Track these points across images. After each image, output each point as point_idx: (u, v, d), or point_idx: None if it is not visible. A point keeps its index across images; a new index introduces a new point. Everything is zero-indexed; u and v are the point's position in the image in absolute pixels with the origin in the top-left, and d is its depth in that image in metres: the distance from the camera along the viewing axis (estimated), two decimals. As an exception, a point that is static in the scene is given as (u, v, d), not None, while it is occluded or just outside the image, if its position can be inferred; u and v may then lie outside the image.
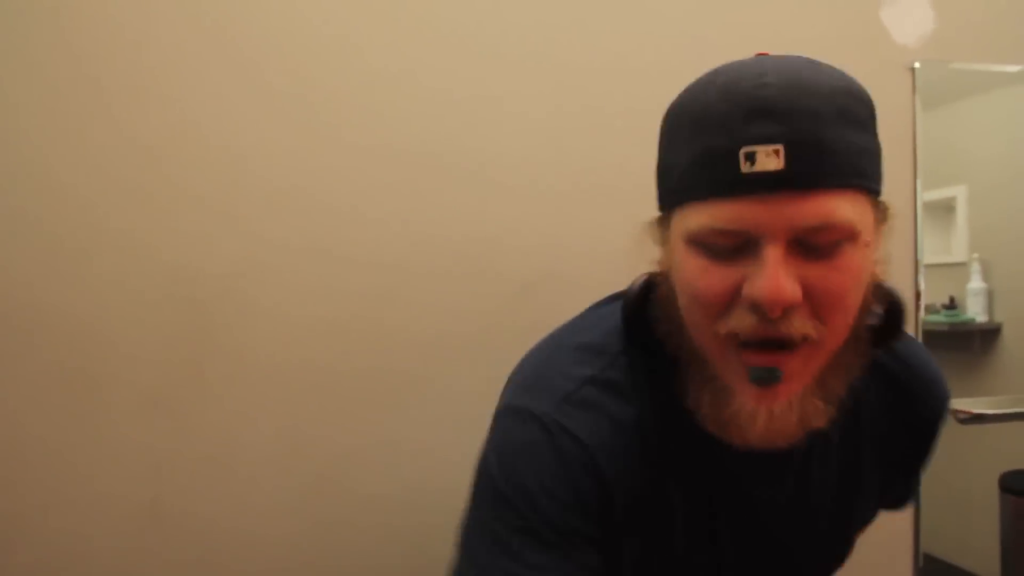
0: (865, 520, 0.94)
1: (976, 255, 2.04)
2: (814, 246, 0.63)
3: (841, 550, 0.93)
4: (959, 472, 1.95)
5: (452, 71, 1.44)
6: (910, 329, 1.10)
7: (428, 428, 1.43)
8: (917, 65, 1.72)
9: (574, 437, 0.73)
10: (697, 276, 0.67)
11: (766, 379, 0.65)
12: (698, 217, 0.66)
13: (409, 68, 1.42)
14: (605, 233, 1.48)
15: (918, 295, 1.81)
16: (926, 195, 1.94)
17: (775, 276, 0.61)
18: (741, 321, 0.65)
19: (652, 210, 0.76)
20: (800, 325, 0.64)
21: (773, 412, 0.68)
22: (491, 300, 1.46)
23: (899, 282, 1.66)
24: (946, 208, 2.00)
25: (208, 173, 1.34)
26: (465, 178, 1.45)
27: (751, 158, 0.61)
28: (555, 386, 0.75)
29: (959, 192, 2.01)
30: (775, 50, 0.73)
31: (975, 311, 2.04)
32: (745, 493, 0.80)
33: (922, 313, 1.83)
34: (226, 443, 1.34)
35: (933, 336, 1.95)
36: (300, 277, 1.38)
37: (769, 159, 0.60)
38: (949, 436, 1.82)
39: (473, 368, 1.43)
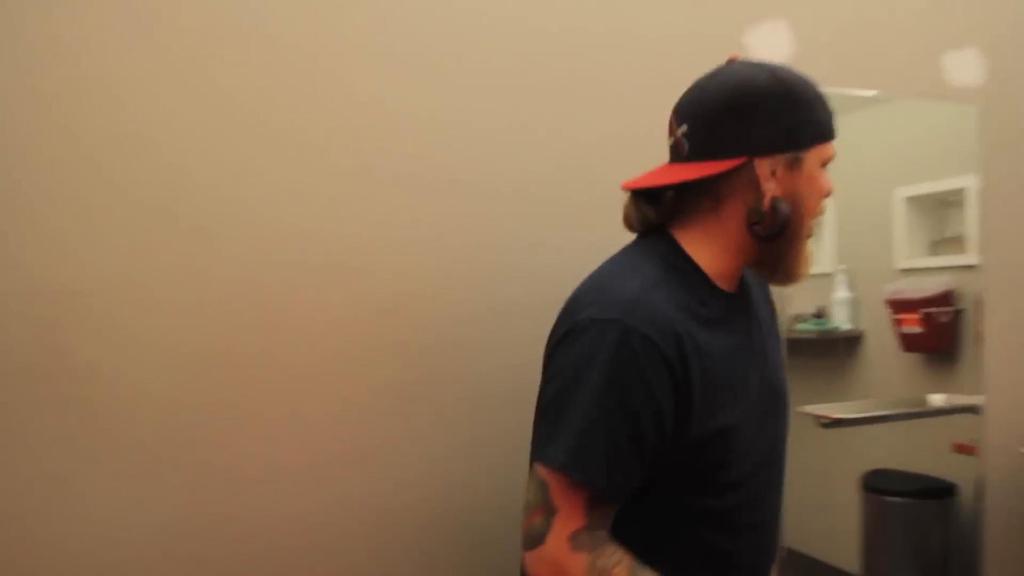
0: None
1: (843, 266, 2.16)
2: None
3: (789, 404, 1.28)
4: (822, 472, 2.05)
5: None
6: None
7: (282, 452, 1.43)
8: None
9: (643, 335, 1.01)
10: (825, 183, 1.14)
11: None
12: (830, 148, 1.13)
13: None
14: (471, 255, 1.54)
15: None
16: None
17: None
18: (823, 207, 1.17)
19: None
20: None
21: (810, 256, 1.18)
22: (354, 323, 1.48)
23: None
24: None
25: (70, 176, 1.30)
26: (341, 193, 1.44)
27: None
28: (620, 299, 1.05)
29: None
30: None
31: (840, 320, 2.16)
32: (743, 328, 1.18)
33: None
34: (76, 464, 1.30)
35: (802, 344, 2.06)
36: (159, 296, 1.35)
37: None
38: (813, 439, 1.94)
39: (338, 392, 1.46)
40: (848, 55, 1.94)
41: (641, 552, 1.04)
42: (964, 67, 2.10)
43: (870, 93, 1.98)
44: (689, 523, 1.10)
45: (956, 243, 2.15)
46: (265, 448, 1.42)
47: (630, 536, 1.06)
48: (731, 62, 1.15)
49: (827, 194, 1.15)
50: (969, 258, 2.14)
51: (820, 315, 2.17)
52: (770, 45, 1.84)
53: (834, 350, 2.17)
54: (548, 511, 1.02)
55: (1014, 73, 2.16)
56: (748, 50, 1.81)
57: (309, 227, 1.44)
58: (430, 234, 1.53)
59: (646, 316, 1.03)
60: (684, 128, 1.12)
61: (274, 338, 1.43)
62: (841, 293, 2.15)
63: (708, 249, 1.14)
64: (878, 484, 2.07)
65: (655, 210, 1.18)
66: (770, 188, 1.08)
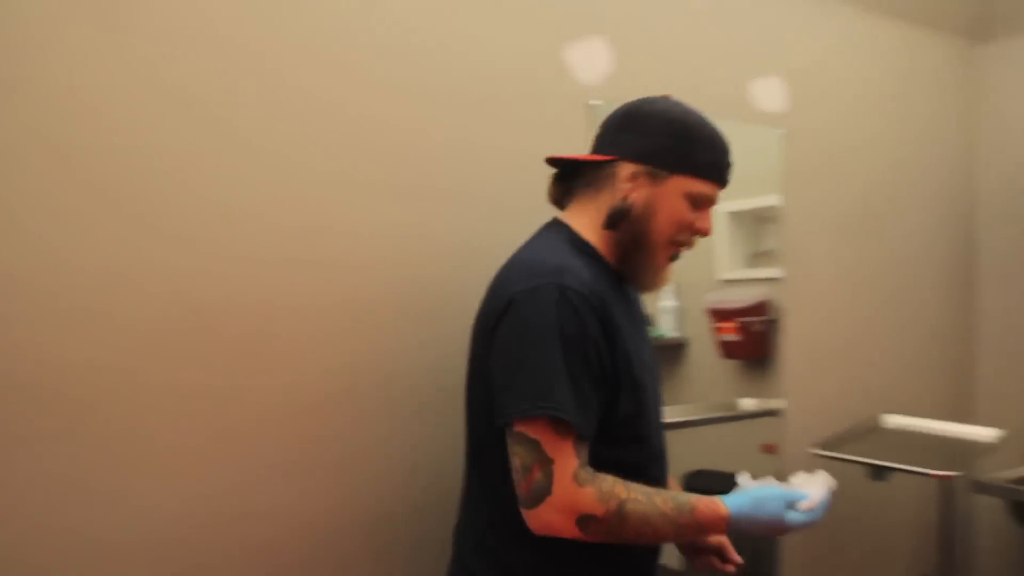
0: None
1: (668, 277, 2.25)
2: None
3: None
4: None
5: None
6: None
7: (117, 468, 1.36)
8: (596, 103, 1.86)
9: (575, 290, 1.16)
10: (683, 213, 1.26)
11: (676, 258, 1.32)
12: (702, 187, 1.26)
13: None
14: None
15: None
16: None
17: (711, 223, 1.31)
18: (685, 238, 1.29)
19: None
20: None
21: (667, 272, 1.33)
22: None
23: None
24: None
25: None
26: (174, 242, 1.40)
27: (729, 172, 1.30)
28: (548, 269, 1.19)
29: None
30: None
31: (666, 328, 2.25)
32: (633, 307, 1.38)
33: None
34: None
35: (631, 352, 2.12)
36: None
37: (729, 176, 1.31)
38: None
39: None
40: (669, 70, 2.04)
41: None
42: (771, 93, 2.26)
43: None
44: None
45: (770, 256, 2.31)
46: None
47: None
48: (657, 98, 1.32)
49: (688, 225, 1.28)
50: (778, 271, 2.30)
51: (647, 323, 2.25)
52: (591, 65, 1.89)
53: (660, 357, 2.26)
54: (545, 463, 1.12)
55: (814, 100, 2.35)
56: (568, 68, 1.86)
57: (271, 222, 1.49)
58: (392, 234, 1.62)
59: (574, 277, 1.18)
60: (599, 129, 1.34)
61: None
62: (667, 302, 2.24)
63: (594, 238, 1.31)
64: (698, 484, 2.17)
65: (557, 189, 1.37)
66: (624, 188, 1.25)
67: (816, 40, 2.38)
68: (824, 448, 2.12)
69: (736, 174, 1.37)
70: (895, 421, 2.34)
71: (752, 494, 1.22)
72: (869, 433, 2.24)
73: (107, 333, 1.33)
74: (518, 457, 1.14)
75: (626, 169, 1.25)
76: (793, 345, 2.31)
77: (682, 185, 1.25)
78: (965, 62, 2.82)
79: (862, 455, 1.93)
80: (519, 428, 1.14)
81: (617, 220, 1.26)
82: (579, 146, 1.84)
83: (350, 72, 1.57)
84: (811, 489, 1.23)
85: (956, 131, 2.81)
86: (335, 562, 1.56)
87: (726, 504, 1.20)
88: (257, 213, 1.47)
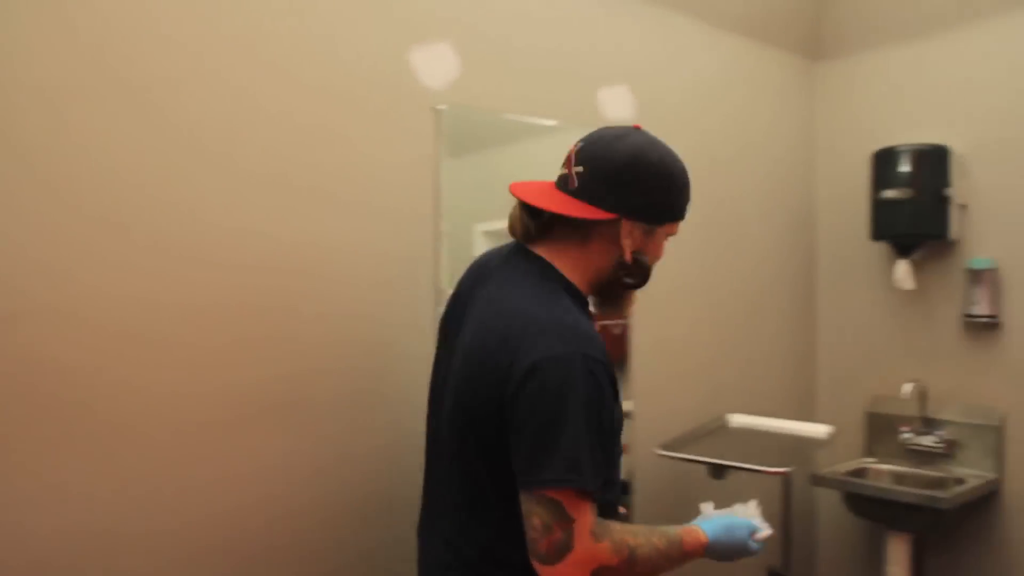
0: None
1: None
2: None
3: None
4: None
5: None
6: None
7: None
8: (442, 107, 1.86)
9: (598, 361, 1.25)
10: (662, 249, 1.41)
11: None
12: (676, 227, 1.41)
13: None
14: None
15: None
16: (488, 225, 2.15)
17: None
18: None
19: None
20: None
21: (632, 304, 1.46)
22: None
23: (422, 305, 1.82)
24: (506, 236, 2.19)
25: None
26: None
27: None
28: (571, 336, 1.26)
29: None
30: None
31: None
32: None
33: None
34: None
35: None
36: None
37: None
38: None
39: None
40: (519, 85, 2.06)
41: None
42: (617, 101, 2.32)
43: (552, 123, 2.12)
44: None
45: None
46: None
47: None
48: (635, 129, 1.38)
49: (659, 257, 1.43)
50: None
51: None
52: (438, 70, 1.88)
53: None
54: (566, 523, 1.20)
55: (656, 106, 2.42)
56: (414, 73, 1.86)
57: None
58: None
59: (593, 344, 1.26)
60: (581, 169, 1.34)
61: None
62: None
63: (574, 275, 1.37)
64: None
65: (535, 225, 1.38)
66: (627, 244, 1.34)
67: (662, 51, 2.46)
68: (668, 449, 2.18)
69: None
70: (739, 420, 2.43)
71: (723, 522, 1.41)
72: (713, 433, 2.32)
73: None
74: (538, 517, 1.20)
75: (627, 227, 1.33)
76: (641, 349, 2.37)
77: (667, 229, 1.40)
78: (805, 78, 2.98)
79: (703, 455, 1.99)
80: (543, 492, 1.20)
81: (634, 272, 1.37)
82: (426, 151, 1.86)
83: (193, 72, 1.53)
84: (758, 520, 1.44)
85: (798, 143, 2.96)
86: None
87: (704, 531, 1.38)
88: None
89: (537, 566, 1.22)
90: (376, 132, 1.78)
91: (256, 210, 1.61)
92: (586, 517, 1.21)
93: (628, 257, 1.34)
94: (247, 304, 1.60)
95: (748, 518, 1.43)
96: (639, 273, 1.37)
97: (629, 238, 1.33)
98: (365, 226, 1.76)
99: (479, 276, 1.43)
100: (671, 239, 1.42)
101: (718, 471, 1.91)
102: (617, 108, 2.31)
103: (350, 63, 1.74)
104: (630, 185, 1.32)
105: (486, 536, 1.32)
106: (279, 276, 1.64)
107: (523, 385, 1.21)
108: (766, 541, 1.44)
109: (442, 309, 1.51)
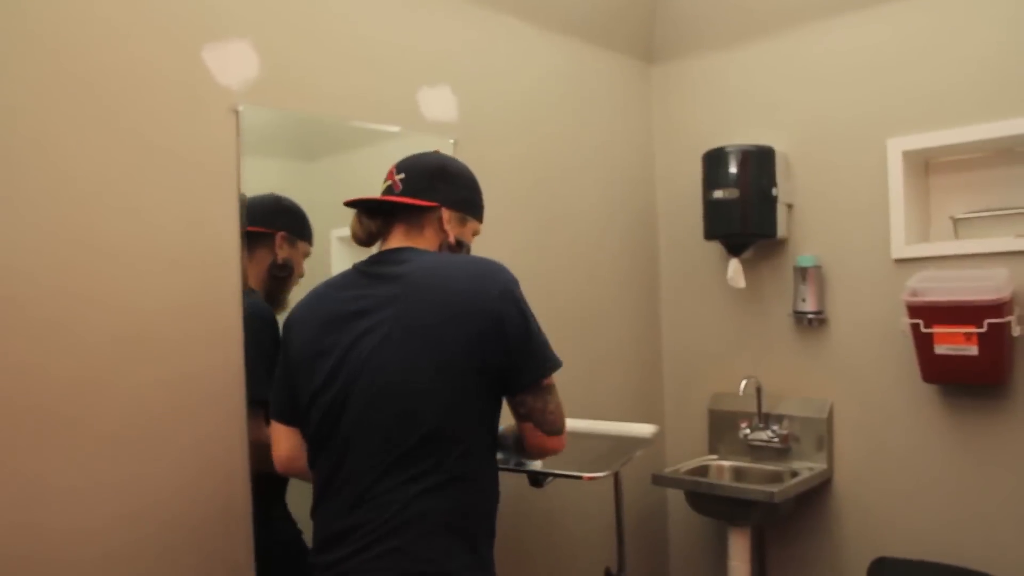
0: None
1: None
2: None
3: None
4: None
5: None
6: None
7: None
8: (241, 108, 1.77)
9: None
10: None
11: None
12: (479, 226, 1.68)
13: None
14: None
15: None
16: (344, 231, 2.05)
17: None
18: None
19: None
20: None
21: None
22: None
23: (226, 307, 1.73)
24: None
25: None
26: None
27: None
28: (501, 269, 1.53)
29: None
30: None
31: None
32: None
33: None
34: None
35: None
36: None
37: None
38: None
39: None
40: (330, 85, 1.99)
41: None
42: (439, 102, 2.26)
43: (395, 128, 2.05)
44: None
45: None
46: None
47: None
48: (436, 152, 1.67)
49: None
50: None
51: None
52: (239, 71, 1.79)
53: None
54: (558, 399, 1.54)
55: (483, 107, 2.38)
56: (213, 74, 1.76)
57: None
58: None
59: None
60: (403, 175, 1.59)
61: None
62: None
63: None
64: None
65: (376, 224, 1.59)
66: (450, 229, 1.59)
67: (490, 53, 2.42)
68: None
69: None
70: (569, 425, 2.39)
71: None
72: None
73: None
74: (550, 402, 1.51)
75: (446, 214, 1.58)
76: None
77: (473, 225, 1.66)
78: (641, 81, 3.01)
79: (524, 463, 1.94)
80: (547, 382, 1.50)
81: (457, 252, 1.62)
82: (228, 153, 1.76)
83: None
84: None
85: (637, 144, 2.99)
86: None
87: None
88: None
89: (551, 440, 1.53)
90: (172, 133, 1.67)
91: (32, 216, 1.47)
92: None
93: (452, 240, 1.58)
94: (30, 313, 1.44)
95: None
96: (462, 250, 1.63)
97: (450, 224, 1.59)
98: (163, 229, 1.67)
99: (328, 297, 1.54)
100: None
101: (535, 479, 1.87)
102: (438, 109, 2.25)
103: (140, 60, 1.63)
104: (445, 181, 1.60)
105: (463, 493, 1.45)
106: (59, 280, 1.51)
107: (511, 299, 1.46)
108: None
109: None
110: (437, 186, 1.58)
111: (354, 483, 1.40)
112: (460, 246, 1.61)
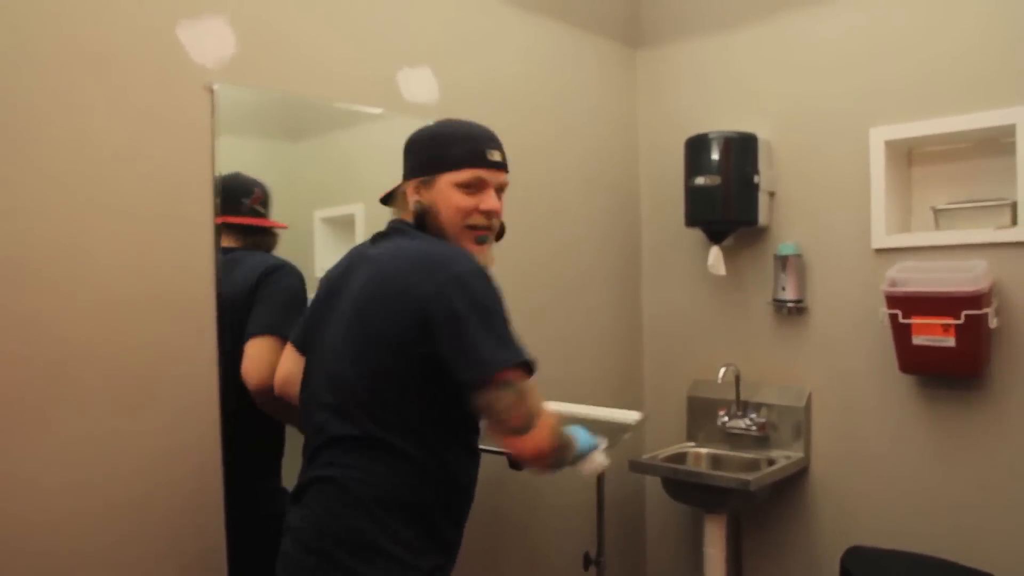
0: None
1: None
2: (499, 192, 1.59)
3: None
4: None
5: None
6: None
7: None
8: (216, 87, 1.73)
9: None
10: (460, 201, 1.54)
11: (483, 241, 1.58)
12: (464, 175, 1.54)
13: None
14: None
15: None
16: (327, 212, 2.10)
17: (494, 200, 1.57)
18: (477, 220, 1.56)
19: None
20: (495, 222, 1.60)
21: (481, 256, 1.55)
22: None
23: (200, 284, 1.70)
24: (346, 223, 2.12)
25: None
26: None
27: (491, 154, 1.57)
28: (461, 254, 1.49)
29: (357, 210, 2.14)
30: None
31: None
32: None
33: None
34: None
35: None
36: None
37: (495, 156, 1.58)
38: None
39: None
40: (307, 65, 1.96)
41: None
42: (419, 82, 2.24)
43: (377, 110, 2.02)
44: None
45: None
46: None
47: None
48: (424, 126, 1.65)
49: (472, 209, 1.55)
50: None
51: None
52: (214, 50, 1.76)
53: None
54: (524, 396, 1.40)
55: (460, 89, 2.36)
56: (187, 52, 1.72)
57: None
58: None
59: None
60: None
61: None
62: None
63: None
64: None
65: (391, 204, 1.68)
66: (413, 199, 1.58)
67: (472, 34, 2.39)
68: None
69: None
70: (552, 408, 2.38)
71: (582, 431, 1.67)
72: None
73: None
74: (500, 400, 1.38)
75: (408, 186, 1.59)
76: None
77: (448, 180, 1.54)
78: (627, 65, 2.99)
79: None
80: (500, 376, 1.37)
81: (420, 221, 1.56)
82: (202, 132, 1.73)
83: None
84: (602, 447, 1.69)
85: (621, 129, 2.97)
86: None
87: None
88: None
89: (513, 441, 1.40)
90: (145, 111, 1.64)
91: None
92: (535, 388, 1.43)
93: (412, 207, 1.56)
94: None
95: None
96: (427, 221, 1.55)
97: (416, 194, 1.57)
98: (135, 209, 1.64)
99: (357, 256, 1.60)
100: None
101: (515, 462, 1.86)
102: (418, 90, 2.22)
103: (113, 37, 1.59)
104: (407, 154, 1.62)
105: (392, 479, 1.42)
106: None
107: (451, 293, 1.39)
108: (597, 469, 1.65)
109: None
110: (405, 163, 1.62)
111: (308, 443, 1.52)
112: (420, 215, 1.55)
